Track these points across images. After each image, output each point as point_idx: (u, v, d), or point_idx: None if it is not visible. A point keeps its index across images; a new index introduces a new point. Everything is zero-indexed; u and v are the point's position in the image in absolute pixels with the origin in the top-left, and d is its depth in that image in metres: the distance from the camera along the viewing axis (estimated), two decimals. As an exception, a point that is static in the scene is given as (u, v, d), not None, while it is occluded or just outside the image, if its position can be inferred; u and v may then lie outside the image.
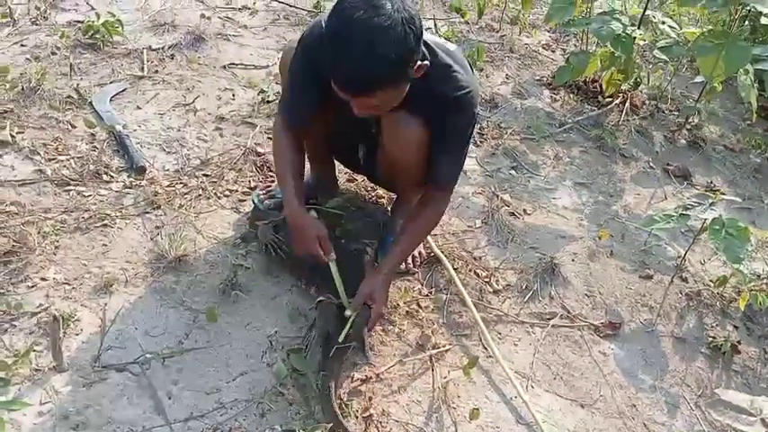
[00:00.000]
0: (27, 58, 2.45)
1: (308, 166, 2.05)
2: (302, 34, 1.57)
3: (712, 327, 1.97)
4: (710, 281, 2.10)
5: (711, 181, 2.63)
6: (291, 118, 1.65)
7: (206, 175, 2.09)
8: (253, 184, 2.09)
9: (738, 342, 1.92)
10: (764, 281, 2.10)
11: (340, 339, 1.56)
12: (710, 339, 1.92)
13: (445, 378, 1.65)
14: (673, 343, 1.91)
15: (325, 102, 1.53)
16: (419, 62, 1.39)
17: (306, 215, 1.66)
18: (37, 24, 2.67)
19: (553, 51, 3.26)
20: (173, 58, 2.61)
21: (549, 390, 1.71)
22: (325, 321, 1.62)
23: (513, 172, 2.44)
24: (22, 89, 2.25)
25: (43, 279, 1.67)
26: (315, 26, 1.53)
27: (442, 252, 1.96)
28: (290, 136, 1.67)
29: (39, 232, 1.77)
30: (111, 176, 2.02)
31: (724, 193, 2.49)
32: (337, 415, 1.43)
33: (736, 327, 1.99)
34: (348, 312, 1.60)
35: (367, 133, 1.71)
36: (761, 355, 1.93)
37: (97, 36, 2.59)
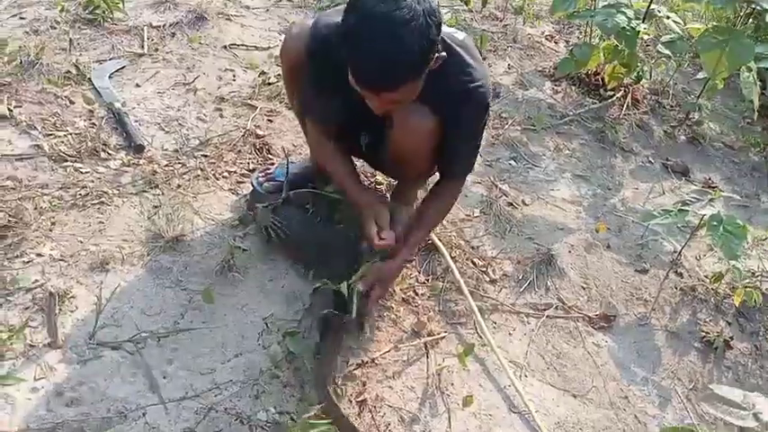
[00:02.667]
0: (26, 32, 2.42)
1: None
2: (308, 32, 1.54)
3: (705, 322, 1.99)
4: (705, 277, 2.11)
5: (710, 177, 2.64)
6: (321, 119, 1.68)
7: (205, 156, 2.08)
8: (252, 167, 2.08)
9: (731, 338, 1.93)
10: (759, 278, 2.12)
11: (352, 313, 1.56)
12: (703, 334, 1.93)
13: (439, 365, 1.65)
14: (666, 337, 1.92)
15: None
16: (437, 53, 1.37)
17: (366, 193, 1.73)
18: (36, -3, 2.64)
19: (556, 43, 3.24)
20: (173, 37, 2.58)
21: (542, 379, 1.71)
22: (323, 306, 1.62)
23: (512, 162, 2.43)
24: (21, 63, 2.22)
25: (39, 255, 1.66)
26: (319, 23, 1.52)
27: (440, 240, 1.95)
28: (326, 138, 1.71)
29: (35, 208, 1.76)
30: (109, 154, 2.00)
31: (722, 190, 2.50)
32: (331, 398, 1.43)
33: (729, 323, 2.00)
34: (361, 287, 1.58)
35: (372, 120, 1.70)
36: (752, 352, 1.95)
37: (98, 11, 2.56)
